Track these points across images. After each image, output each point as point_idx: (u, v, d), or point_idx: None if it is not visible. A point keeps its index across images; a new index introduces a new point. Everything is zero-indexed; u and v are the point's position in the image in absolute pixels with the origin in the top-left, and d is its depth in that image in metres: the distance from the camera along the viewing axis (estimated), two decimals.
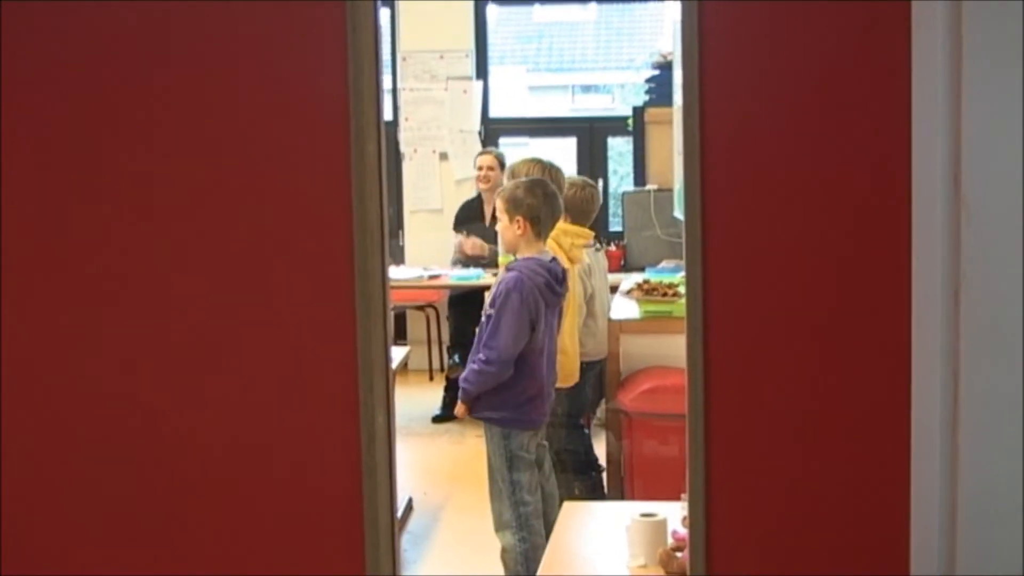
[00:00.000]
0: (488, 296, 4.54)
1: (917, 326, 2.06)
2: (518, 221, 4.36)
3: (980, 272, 1.90)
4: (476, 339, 4.46)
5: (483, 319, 4.45)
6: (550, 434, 5.11)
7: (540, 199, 4.40)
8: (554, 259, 4.47)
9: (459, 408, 4.46)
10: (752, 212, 2.24)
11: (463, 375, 4.43)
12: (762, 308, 2.24)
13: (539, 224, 4.41)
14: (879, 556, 2.23)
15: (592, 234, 5.37)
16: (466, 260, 7.51)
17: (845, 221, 2.20)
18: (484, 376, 4.31)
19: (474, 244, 7.42)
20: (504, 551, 4.37)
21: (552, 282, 4.35)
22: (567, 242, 5.00)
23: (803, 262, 2.23)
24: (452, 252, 7.69)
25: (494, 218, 7.22)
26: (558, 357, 4.68)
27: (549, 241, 4.70)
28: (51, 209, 2.38)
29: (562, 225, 5.04)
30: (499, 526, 4.38)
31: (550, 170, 5.00)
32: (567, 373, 4.94)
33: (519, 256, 4.44)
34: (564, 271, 4.50)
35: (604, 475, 5.28)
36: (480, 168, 7.48)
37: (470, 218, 7.61)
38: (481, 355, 4.31)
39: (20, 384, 2.41)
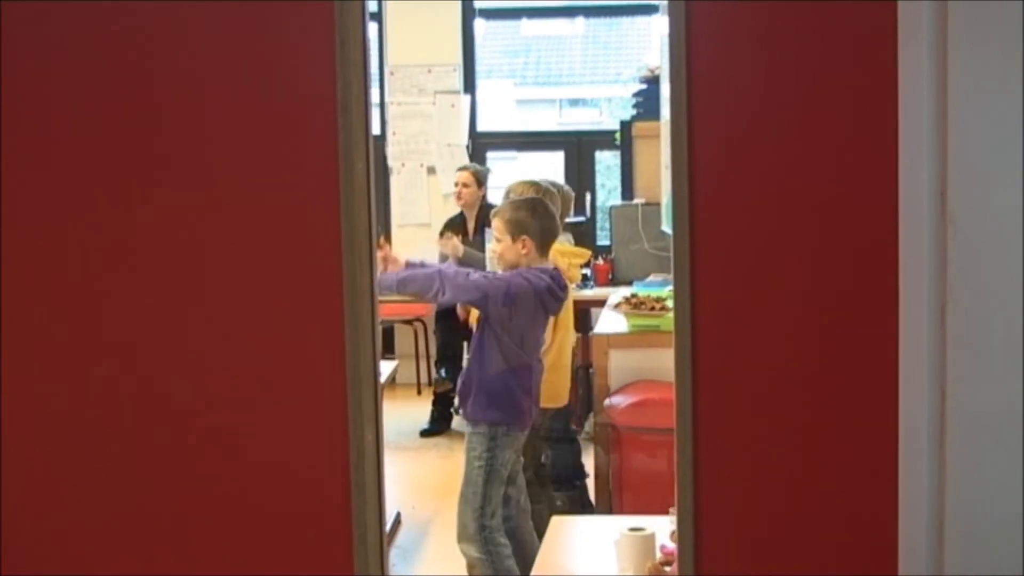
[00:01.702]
0: None
1: (904, 341, 2.07)
2: (523, 241, 4.39)
3: (967, 288, 1.90)
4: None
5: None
6: (539, 449, 5.11)
7: (545, 218, 4.47)
8: (556, 268, 4.51)
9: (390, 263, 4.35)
10: (739, 226, 2.24)
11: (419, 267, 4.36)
12: (750, 322, 2.25)
13: (543, 244, 4.46)
14: (867, 571, 2.23)
15: (588, 253, 5.39)
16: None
17: (832, 235, 2.21)
18: (437, 280, 4.27)
19: (447, 242, 7.30)
20: (471, 566, 4.37)
21: (555, 287, 4.39)
22: (564, 262, 5.03)
23: (790, 276, 2.23)
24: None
25: (475, 231, 7.22)
26: (549, 376, 4.70)
27: None
28: (46, 210, 2.39)
29: (558, 247, 5.07)
30: (462, 538, 4.37)
31: (547, 192, 5.07)
32: (559, 391, 4.97)
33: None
34: (566, 282, 4.54)
35: (589, 481, 5.28)
36: (456, 184, 7.47)
37: (453, 233, 7.60)
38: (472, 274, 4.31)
39: (15, 383, 2.41)
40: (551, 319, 4.65)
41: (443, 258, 7.45)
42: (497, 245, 4.49)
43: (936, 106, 1.92)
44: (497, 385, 4.32)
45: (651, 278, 6.89)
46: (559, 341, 4.93)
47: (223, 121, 2.33)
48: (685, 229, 2.24)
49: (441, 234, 7.68)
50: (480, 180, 7.34)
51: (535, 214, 4.45)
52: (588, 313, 6.97)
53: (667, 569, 3.03)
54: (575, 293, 5.51)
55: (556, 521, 3.78)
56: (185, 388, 2.39)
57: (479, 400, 4.35)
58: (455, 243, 6.80)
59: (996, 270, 1.89)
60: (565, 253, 5.11)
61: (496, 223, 4.49)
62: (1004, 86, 1.88)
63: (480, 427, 4.35)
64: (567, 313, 5.00)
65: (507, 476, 4.41)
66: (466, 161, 8.32)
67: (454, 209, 7.98)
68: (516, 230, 4.41)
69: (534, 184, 5.18)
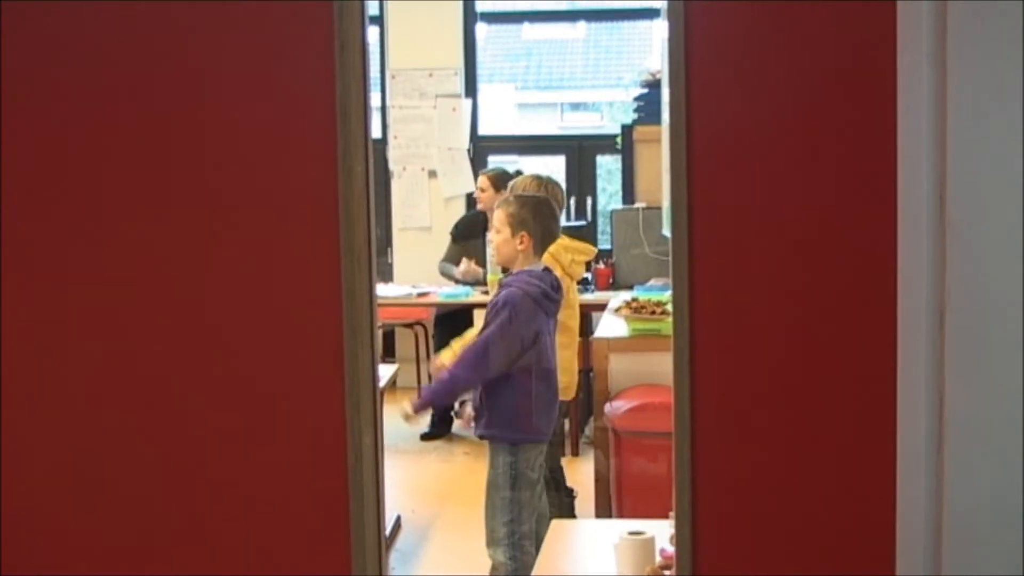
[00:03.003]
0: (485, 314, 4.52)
1: (903, 346, 2.07)
2: (522, 237, 4.38)
3: (965, 293, 1.90)
4: None
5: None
6: (556, 452, 5.09)
7: (547, 219, 4.46)
8: (546, 268, 4.49)
9: (408, 409, 4.43)
10: (738, 231, 2.24)
11: (432, 385, 4.42)
12: (748, 326, 2.25)
13: (541, 243, 4.45)
14: (865, 574, 2.23)
15: (595, 251, 5.38)
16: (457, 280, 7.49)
17: (831, 240, 2.21)
18: (452, 385, 4.32)
19: (468, 271, 7.39)
20: (494, 568, 4.36)
21: (549, 291, 4.38)
22: (567, 258, 5.04)
23: (789, 280, 2.23)
24: (444, 254, 7.64)
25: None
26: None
27: (546, 256, 4.73)
28: (44, 219, 2.39)
29: (562, 241, 5.07)
30: (491, 543, 4.36)
31: (547, 185, 5.07)
32: (565, 386, 4.96)
33: (513, 270, 4.45)
34: (558, 280, 4.53)
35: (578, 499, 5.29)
36: (476, 187, 7.51)
37: (470, 233, 7.59)
38: (456, 368, 4.31)
39: (15, 384, 2.42)
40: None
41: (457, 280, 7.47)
42: (496, 236, 4.48)
43: (935, 110, 1.92)
44: (511, 400, 4.31)
45: (652, 282, 6.89)
46: (566, 339, 4.95)
47: (221, 125, 2.33)
48: (683, 233, 2.24)
49: (457, 227, 7.65)
50: (497, 184, 7.31)
51: (539, 213, 4.44)
52: (589, 317, 6.96)
53: (667, 573, 3.02)
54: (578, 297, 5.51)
55: (556, 525, 3.78)
56: (184, 392, 2.39)
57: (495, 420, 4.33)
58: (476, 271, 7.29)
59: (995, 276, 1.89)
60: (569, 248, 5.11)
61: (498, 214, 4.47)
62: (1004, 90, 1.88)
63: (498, 442, 4.34)
64: (573, 309, 5.03)
65: (535, 479, 4.40)
66: (466, 165, 8.32)
67: (456, 213, 8.00)
68: (517, 225, 4.40)
69: (537, 178, 5.21)
